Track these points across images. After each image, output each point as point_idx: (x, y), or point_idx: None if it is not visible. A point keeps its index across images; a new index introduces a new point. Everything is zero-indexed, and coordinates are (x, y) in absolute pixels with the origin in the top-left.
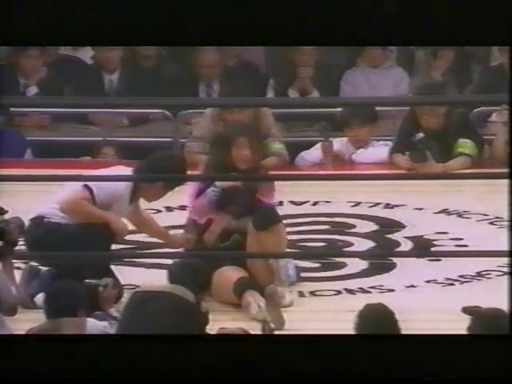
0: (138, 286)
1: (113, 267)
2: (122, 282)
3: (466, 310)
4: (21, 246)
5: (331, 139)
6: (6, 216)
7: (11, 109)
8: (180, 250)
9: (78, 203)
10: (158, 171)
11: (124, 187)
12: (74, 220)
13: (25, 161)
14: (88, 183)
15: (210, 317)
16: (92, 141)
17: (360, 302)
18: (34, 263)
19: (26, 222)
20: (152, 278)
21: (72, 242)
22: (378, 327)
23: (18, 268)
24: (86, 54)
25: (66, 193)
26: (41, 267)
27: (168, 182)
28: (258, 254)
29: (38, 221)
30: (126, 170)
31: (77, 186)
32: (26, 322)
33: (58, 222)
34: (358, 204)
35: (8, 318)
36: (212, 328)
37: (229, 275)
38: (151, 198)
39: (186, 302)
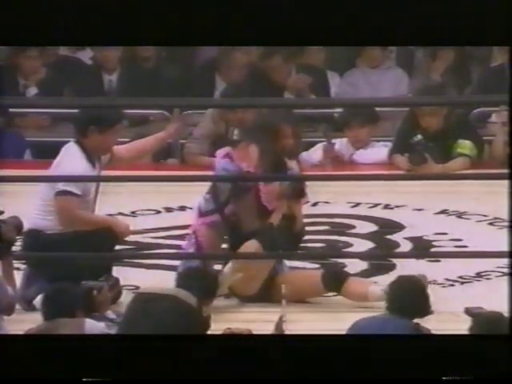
0: (137, 287)
1: (112, 268)
2: (122, 283)
3: (467, 311)
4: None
5: (333, 140)
6: (4, 216)
7: (11, 109)
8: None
9: (74, 215)
10: (91, 118)
11: (86, 168)
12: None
13: (24, 161)
14: (60, 188)
15: (212, 321)
16: None
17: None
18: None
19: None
20: (151, 278)
21: (75, 249)
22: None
23: (18, 269)
24: (86, 54)
25: (50, 204)
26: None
27: (102, 123)
28: (258, 254)
29: (34, 234)
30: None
31: (51, 194)
32: (24, 322)
33: (56, 232)
34: (357, 205)
35: (5, 318)
36: (218, 328)
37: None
38: (103, 150)
39: (188, 306)
